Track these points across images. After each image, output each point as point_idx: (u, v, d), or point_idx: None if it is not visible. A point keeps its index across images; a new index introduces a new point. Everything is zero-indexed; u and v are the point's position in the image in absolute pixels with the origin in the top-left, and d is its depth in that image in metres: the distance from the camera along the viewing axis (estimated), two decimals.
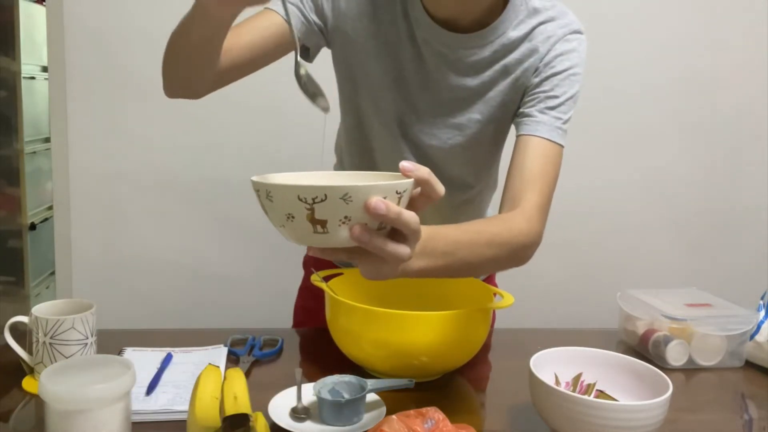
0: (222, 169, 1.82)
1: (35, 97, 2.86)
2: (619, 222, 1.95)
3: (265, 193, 0.59)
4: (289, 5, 0.98)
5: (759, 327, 1.09)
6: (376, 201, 0.56)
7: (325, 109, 0.69)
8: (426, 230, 0.73)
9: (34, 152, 2.88)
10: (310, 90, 0.68)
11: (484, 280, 1.24)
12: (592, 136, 1.89)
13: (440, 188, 0.63)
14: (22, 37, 2.72)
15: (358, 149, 1.12)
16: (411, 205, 0.63)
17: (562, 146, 0.95)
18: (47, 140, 2.89)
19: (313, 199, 0.56)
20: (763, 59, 1.91)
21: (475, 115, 1.00)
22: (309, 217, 0.57)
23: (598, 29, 1.85)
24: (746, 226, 1.99)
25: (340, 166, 1.21)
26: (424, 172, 0.61)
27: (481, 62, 0.97)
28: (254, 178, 0.62)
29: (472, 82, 0.98)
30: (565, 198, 1.91)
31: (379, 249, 0.59)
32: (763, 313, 1.11)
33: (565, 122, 0.95)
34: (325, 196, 0.55)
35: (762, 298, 1.14)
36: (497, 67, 0.97)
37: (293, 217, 0.58)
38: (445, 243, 0.77)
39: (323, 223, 0.57)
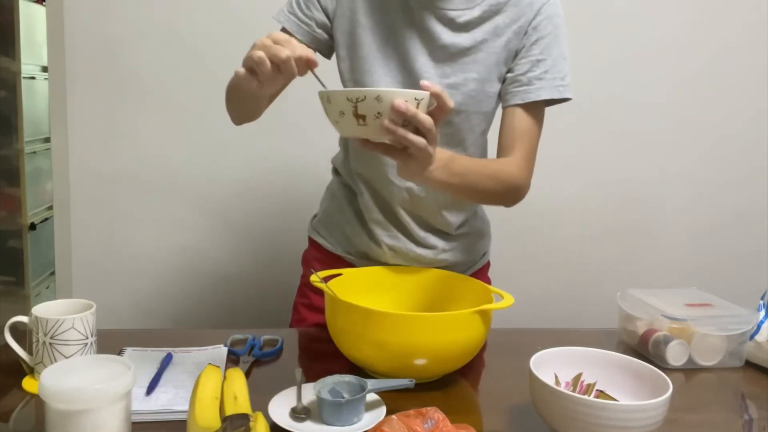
0: (222, 169, 1.82)
1: (35, 97, 2.86)
2: (619, 222, 1.95)
3: (326, 98, 0.82)
4: (294, 20, 1.10)
5: (759, 327, 1.09)
6: (399, 101, 0.78)
7: None
8: (449, 153, 0.96)
9: (34, 152, 2.88)
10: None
11: (483, 280, 1.26)
12: (593, 136, 1.89)
13: (450, 102, 0.83)
14: (22, 37, 2.72)
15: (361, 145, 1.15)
16: (430, 116, 0.82)
17: (568, 99, 1.09)
18: (47, 140, 2.90)
19: (356, 99, 0.79)
20: (764, 59, 1.90)
21: (471, 74, 1.08)
22: (354, 113, 0.79)
23: (595, 28, 1.85)
24: (746, 226, 1.99)
25: (344, 156, 1.23)
26: (437, 87, 0.82)
27: (471, 22, 1.07)
28: (320, 90, 0.84)
29: (465, 41, 1.07)
30: (566, 198, 1.92)
31: (402, 137, 0.80)
32: (763, 313, 1.11)
33: (564, 78, 1.08)
34: (364, 96, 0.78)
35: (762, 298, 1.14)
36: (486, 27, 1.07)
37: (344, 114, 0.80)
38: (461, 166, 0.98)
39: (363, 117, 0.80)
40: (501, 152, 1.10)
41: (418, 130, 0.81)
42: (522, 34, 1.07)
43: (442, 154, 0.92)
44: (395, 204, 1.14)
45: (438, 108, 0.83)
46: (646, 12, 1.85)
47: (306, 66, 0.83)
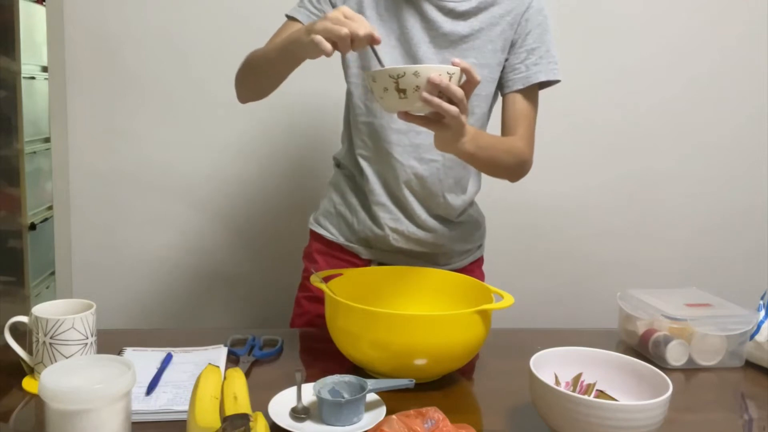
0: (222, 169, 1.82)
1: (35, 97, 2.86)
2: (619, 222, 1.95)
3: (372, 77, 0.92)
4: (306, 12, 1.16)
5: (759, 327, 1.09)
6: (434, 75, 0.88)
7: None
8: (475, 128, 1.04)
9: (34, 152, 2.88)
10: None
11: (477, 273, 1.32)
12: (592, 137, 1.89)
13: (478, 76, 0.94)
14: (22, 37, 2.71)
15: (367, 129, 1.20)
16: (461, 89, 0.91)
17: (559, 81, 1.19)
18: (47, 140, 2.89)
19: (398, 75, 0.89)
20: (763, 59, 1.90)
21: (470, 59, 1.15)
22: (395, 88, 0.90)
23: (596, 30, 1.85)
24: (746, 226, 1.99)
25: (348, 147, 1.27)
26: (467, 63, 0.92)
27: (469, 11, 1.15)
28: (366, 71, 0.98)
29: (463, 29, 1.15)
30: (566, 197, 1.92)
31: (438, 105, 0.90)
32: (763, 313, 1.11)
33: (556, 62, 1.19)
34: (404, 72, 0.89)
35: (762, 298, 1.14)
36: (482, 17, 1.16)
37: (387, 90, 0.91)
38: (486, 141, 1.08)
39: (404, 91, 0.90)
40: (505, 133, 1.20)
41: (451, 101, 0.91)
42: (516, 25, 1.17)
43: (470, 128, 1.02)
44: (400, 185, 1.19)
45: (467, 82, 0.94)
46: (647, 14, 1.85)
47: (370, 42, 0.94)
